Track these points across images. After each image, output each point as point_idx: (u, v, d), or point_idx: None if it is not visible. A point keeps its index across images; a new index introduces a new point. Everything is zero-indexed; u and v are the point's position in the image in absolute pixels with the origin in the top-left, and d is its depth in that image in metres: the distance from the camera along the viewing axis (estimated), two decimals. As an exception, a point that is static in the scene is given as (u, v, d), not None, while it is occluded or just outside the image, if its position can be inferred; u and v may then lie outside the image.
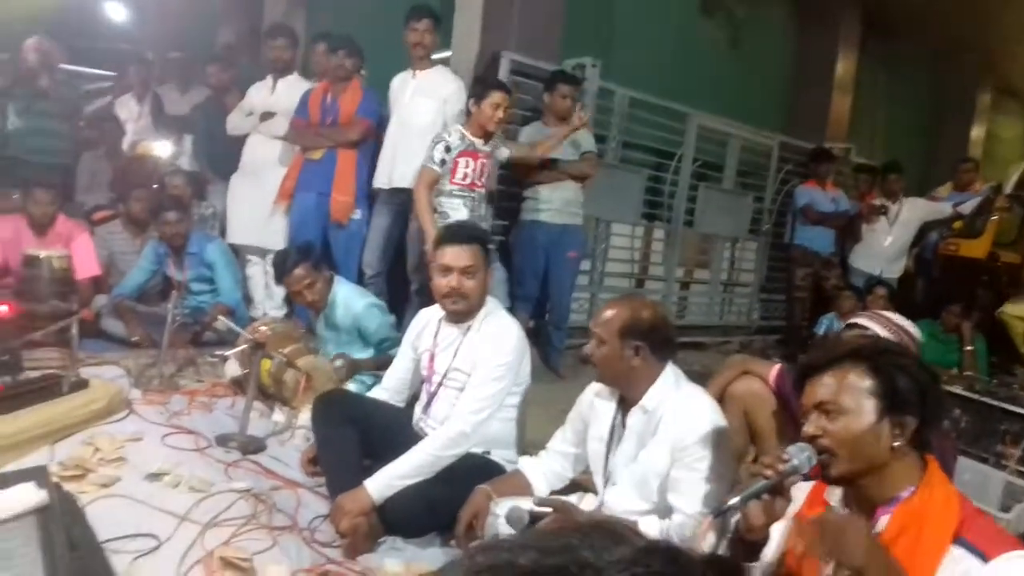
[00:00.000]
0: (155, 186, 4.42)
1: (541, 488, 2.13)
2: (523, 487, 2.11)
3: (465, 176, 3.45)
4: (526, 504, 1.87)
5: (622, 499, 1.89)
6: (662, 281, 5.74)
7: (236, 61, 5.14)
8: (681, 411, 1.81)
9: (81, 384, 2.61)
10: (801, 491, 1.40)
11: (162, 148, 5.20)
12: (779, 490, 1.30)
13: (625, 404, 1.93)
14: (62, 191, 3.95)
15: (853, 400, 1.27)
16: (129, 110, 5.46)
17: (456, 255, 2.23)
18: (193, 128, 5.14)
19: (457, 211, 3.46)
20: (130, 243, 4.11)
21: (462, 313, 2.30)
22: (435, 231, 3.48)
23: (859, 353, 1.31)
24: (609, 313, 1.87)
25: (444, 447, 2.15)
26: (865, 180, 6.13)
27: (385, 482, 2.08)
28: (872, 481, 1.27)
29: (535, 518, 1.80)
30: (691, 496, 1.74)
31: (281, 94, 4.28)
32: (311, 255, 3.13)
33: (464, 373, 2.28)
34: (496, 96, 3.41)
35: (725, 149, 5.94)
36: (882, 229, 5.63)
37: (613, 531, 0.53)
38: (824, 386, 1.31)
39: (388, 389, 2.57)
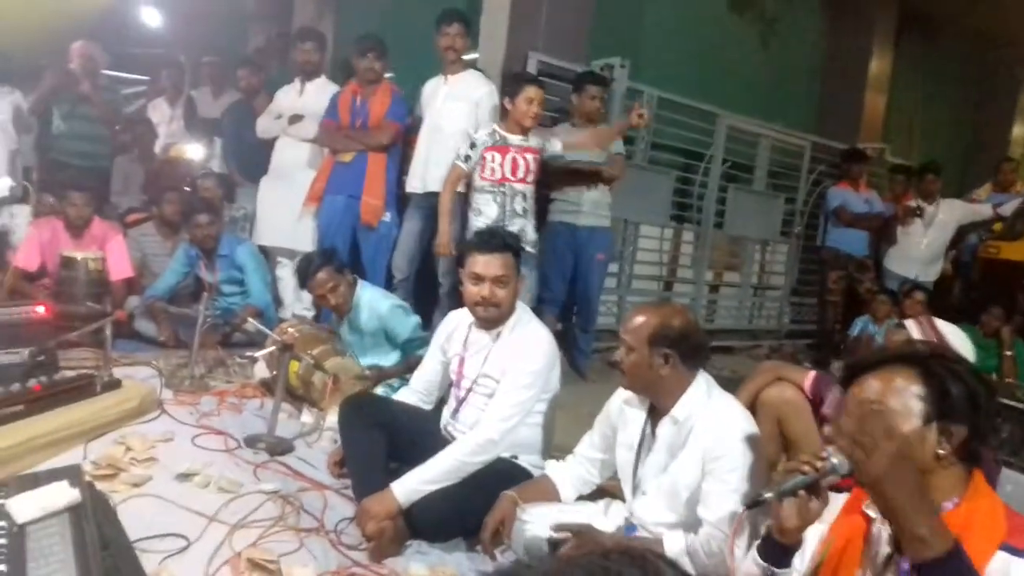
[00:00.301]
0: (186, 189, 4.48)
1: (568, 494, 2.11)
2: (550, 493, 2.09)
3: (493, 171, 3.44)
4: (544, 531, 1.85)
5: (650, 510, 1.85)
6: (691, 284, 5.68)
7: (266, 65, 5.20)
8: (712, 422, 1.76)
9: (114, 384, 2.66)
10: (836, 502, 1.36)
11: (194, 151, 5.27)
12: (816, 490, 1.26)
13: (655, 412, 1.89)
14: (98, 194, 4.02)
15: (899, 402, 1.22)
16: (162, 113, 5.55)
17: (488, 264, 2.22)
18: (223, 131, 5.20)
19: (487, 206, 3.46)
20: (162, 245, 4.17)
21: (493, 321, 2.29)
22: (449, 231, 3.52)
23: (910, 356, 1.26)
24: (638, 319, 1.83)
25: (472, 453, 2.14)
26: (901, 181, 6.01)
27: (412, 486, 2.08)
28: None
29: (555, 544, 1.78)
30: (720, 509, 1.70)
31: (309, 97, 4.31)
32: (334, 259, 3.15)
33: (493, 380, 2.27)
34: (529, 90, 3.39)
35: (755, 150, 5.86)
36: (917, 231, 5.51)
37: (637, 557, 0.51)
38: (870, 387, 1.25)
39: (416, 391, 2.57)
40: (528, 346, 2.25)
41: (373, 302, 3.16)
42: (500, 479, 2.15)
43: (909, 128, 8.32)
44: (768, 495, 1.26)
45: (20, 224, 3.99)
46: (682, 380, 1.82)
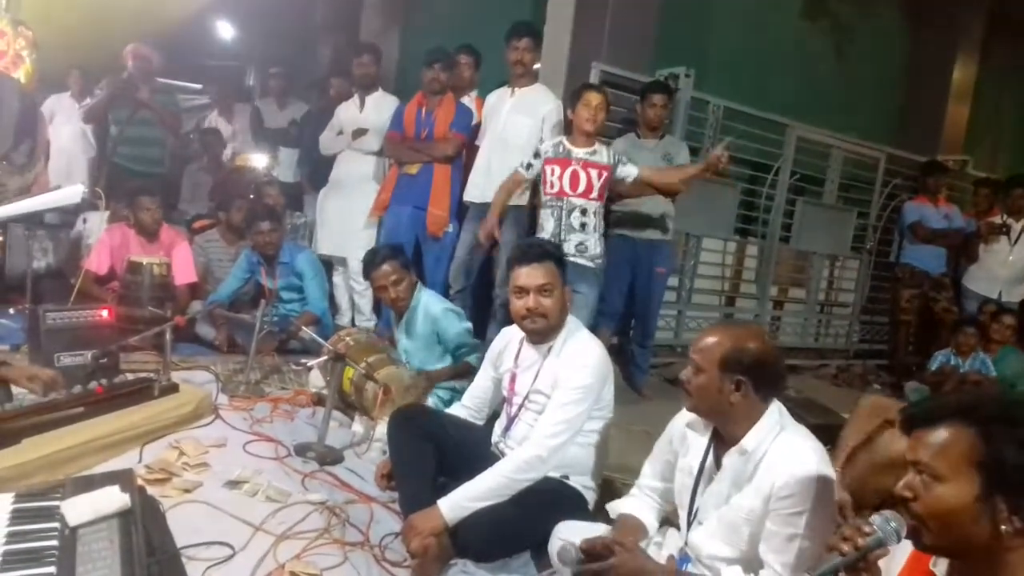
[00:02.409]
0: (250, 196, 4.58)
1: (653, 523, 1.98)
2: (639, 528, 1.95)
3: (552, 185, 3.37)
4: (575, 538, 1.76)
5: (708, 542, 1.74)
6: (755, 299, 5.49)
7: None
8: (783, 456, 1.62)
9: (172, 388, 2.70)
10: (902, 552, 1.22)
11: (259, 160, 5.40)
12: (864, 566, 1.14)
13: (720, 439, 1.78)
14: (164, 200, 4.14)
15: (950, 468, 1.07)
16: (229, 123, 5.73)
17: (529, 275, 2.19)
18: (292, 141, 5.32)
19: (547, 221, 3.39)
20: (226, 251, 4.27)
21: (542, 333, 2.24)
22: (495, 222, 3.48)
23: (970, 412, 1.10)
24: (711, 340, 1.69)
25: (519, 470, 2.08)
26: (986, 195, 5.68)
27: (458, 503, 2.03)
28: (984, 563, 1.07)
29: (589, 554, 1.68)
30: (784, 553, 1.57)
31: (369, 110, 4.40)
32: (400, 255, 3.17)
33: (544, 395, 2.22)
34: (589, 96, 3.31)
35: (827, 161, 5.66)
36: (1003, 249, 5.19)
37: None
38: (923, 444, 1.11)
39: (468, 407, 2.55)
40: (578, 360, 2.18)
41: (428, 305, 3.15)
42: (548, 499, 2.09)
43: (995, 139, 7.88)
44: None
45: (94, 230, 4.14)
46: (753, 410, 1.68)
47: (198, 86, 6.84)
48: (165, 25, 6.58)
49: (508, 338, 2.44)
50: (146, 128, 4.64)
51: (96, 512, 1.69)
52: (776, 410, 1.71)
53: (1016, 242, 5.15)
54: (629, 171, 3.41)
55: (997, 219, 5.24)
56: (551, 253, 2.27)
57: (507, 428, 2.33)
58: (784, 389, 1.80)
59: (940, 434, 1.10)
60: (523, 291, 2.18)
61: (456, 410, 2.57)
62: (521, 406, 2.29)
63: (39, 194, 3.42)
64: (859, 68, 6.61)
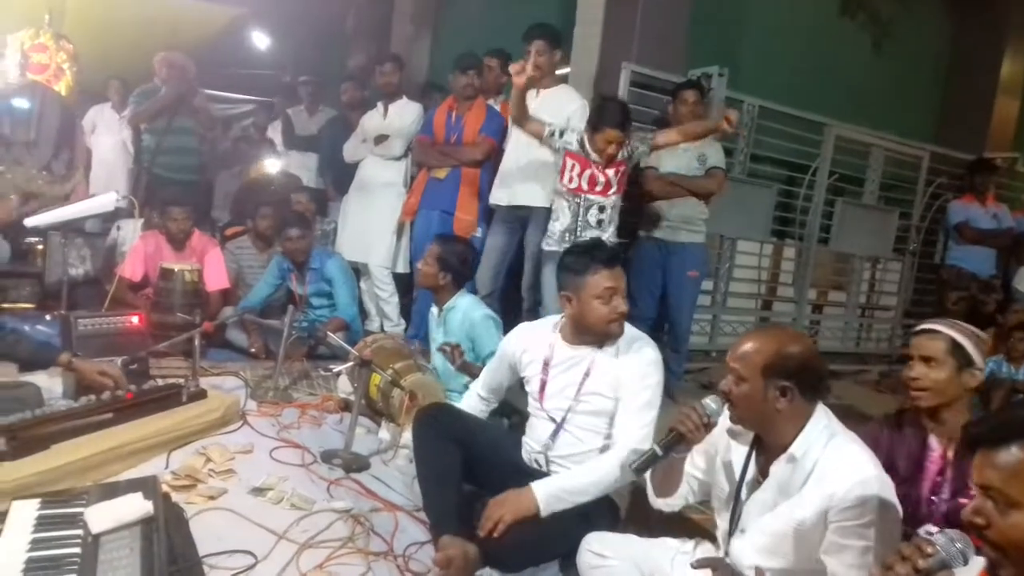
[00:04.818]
0: (275, 203, 4.59)
1: (683, 490, 1.94)
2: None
3: (571, 179, 3.34)
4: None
5: (751, 552, 1.66)
6: (793, 303, 5.35)
7: (368, 82, 5.33)
8: (840, 465, 1.54)
9: (200, 394, 2.70)
10: (972, 569, 1.13)
11: (272, 166, 5.41)
12: None
13: (764, 447, 1.70)
14: (198, 208, 4.18)
15: None
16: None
17: (618, 277, 2.16)
18: (320, 147, 5.35)
19: (563, 213, 3.38)
20: (257, 257, 4.29)
21: (619, 335, 2.20)
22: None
23: None
24: (750, 346, 1.62)
25: (624, 470, 2.04)
26: None
27: (555, 493, 2.02)
28: None
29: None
30: (863, 568, 1.47)
31: (393, 118, 4.42)
32: (447, 246, 3.16)
33: (605, 397, 2.16)
34: (610, 134, 3.25)
35: (867, 161, 5.51)
36: (1055, 249, 4.97)
37: None
38: (994, 467, 1.02)
39: (484, 398, 2.56)
40: (645, 359, 2.18)
41: (469, 307, 3.11)
42: (579, 508, 2.03)
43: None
44: None
45: (128, 237, 4.21)
46: (800, 415, 1.61)
47: (253, 97, 6.94)
48: (201, 35, 6.69)
49: (529, 341, 2.36)
50: (183, 137, 4.71)
51: (118, 520, 1.68)
52: (824, 415, 1.63)
53: (1069, 242, 4.93)
54: (642, 151, 3.43)
55: (1049, 218, 5.03)
56: (620, 255, 2.29)
57: (555, 435, 2.24)
58: (829, 390, 1.71)
59: (1012, 455, 1.01)
60: (614, 292, 2.15)
61: (471, 399, 2.57)
62: (567, 414, 2.22)
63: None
64: (900, 65, 6.42)
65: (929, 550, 1.07)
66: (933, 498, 1.84)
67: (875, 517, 1.47)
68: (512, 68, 3.13)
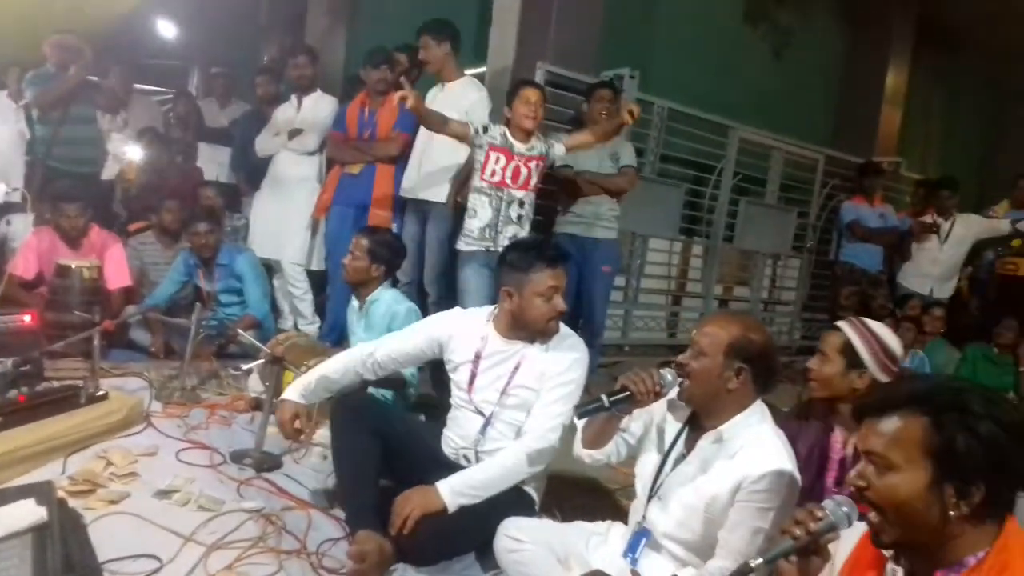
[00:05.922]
0: (184, 197, 4.41)
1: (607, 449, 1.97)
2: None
3: (494, 173, 3.33)
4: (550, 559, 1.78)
5: (665, 520, 1.75)
6: (700, 298, 5.58)
7: (283, 75, 5.19)
8: (762, 450, 1.65)
9: (99, 396, 2.59)
10: (855, 531, 1.23)
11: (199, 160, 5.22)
12: (814, 549, 1.15)
13: (697, 425, 1.79)
14: (94, 202, 3.95)
15: (904, 456, 1.09)
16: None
17: (559, 276, 2.19)
18: (232, 141, 5.17)
19: (483, 209, 3.34)
20: (162, 254, 4.12)
21: (554, 332, 2.23)
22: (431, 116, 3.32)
23: (922, 401, 1.11)
24: (718, 324, 1.73)
25: (526, 462, 2.08)
26: (923, 196, 5.90)
27: (459, 489, 2.01)
28: (931, 545, 1.10)
29: None
30: (749, 545, 1.58)
31: (307, 111, 4.33)
32: (376, 237, 3.08)
33: (530, 389, 2.18)
34: (526, 92, 3.29)
35: (768, 163, 5.79)
36: (933, 247, 5.39)
37: None
38: (876, 434, 1.12)
39: (380, 356, 2.33)
40: (571, 355, 2.21)
41: (394, 301, 3.04)
42: (493, 499, 2.05)
43: (926, 143, 8.19)
44: (757, 562, 1.15)
45: (19, 232, 3.95)
46: (743, 400, 1.71)
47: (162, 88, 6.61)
48: (102, 21, 6.33)
49: (462, 329, 2.32)
50: (81, 127, 4.42)
51: (6, 528, 1.60)
52: (760, 408, 1.74)
53: (945, 241, 5.35)
54: (558, 151, 3.46)
55: (928, 218, 5.43)
56: (565, 255, 2.30)
57: (483, 431, 2.23)
58: (775, 386, 1.81)
59: (892, 423, 1.11)
60: (556, 291, 2.17)
61: (354, 355, 2.36)
62: (495, 407, 2.21)
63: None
64: (798, 72, 6.80)
65: (819, 514, 1.16)
66: (836, 488, 1.95)
67: (777, 507, 1.59)
68: (398, 96, 3.09)
